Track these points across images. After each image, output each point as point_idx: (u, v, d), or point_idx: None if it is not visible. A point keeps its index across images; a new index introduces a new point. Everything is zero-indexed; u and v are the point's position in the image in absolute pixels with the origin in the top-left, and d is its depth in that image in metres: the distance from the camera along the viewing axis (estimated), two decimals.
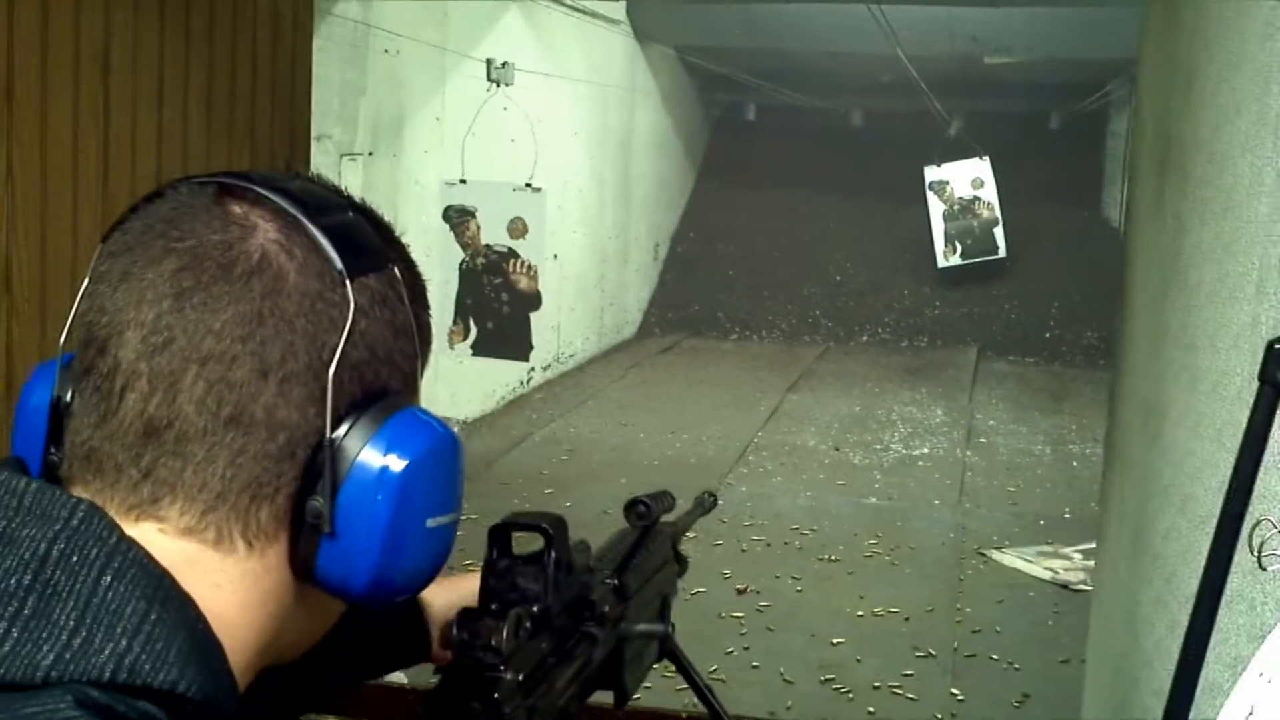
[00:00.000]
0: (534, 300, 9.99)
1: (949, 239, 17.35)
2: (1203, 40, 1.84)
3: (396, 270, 0.86)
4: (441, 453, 0.84)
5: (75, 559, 0.71)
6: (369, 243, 0.85)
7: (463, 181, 10.36)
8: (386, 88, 10.25)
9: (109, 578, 0.71)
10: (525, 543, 1.09)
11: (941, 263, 17.44)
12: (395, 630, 1.30)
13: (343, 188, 0.91)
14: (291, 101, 3.15)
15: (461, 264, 10.24)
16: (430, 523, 0.84)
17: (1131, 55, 14.10)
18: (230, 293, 0.78)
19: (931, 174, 17.24)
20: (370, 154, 10.06)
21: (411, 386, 0.87)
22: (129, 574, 0.72)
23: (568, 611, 1.12)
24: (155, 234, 0.80)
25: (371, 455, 0.80)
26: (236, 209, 0.81)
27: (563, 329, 13.99)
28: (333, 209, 0.84)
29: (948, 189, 17.27)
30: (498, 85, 11.05)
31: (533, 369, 12.86)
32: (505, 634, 0.97)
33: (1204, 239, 1.78)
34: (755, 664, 6.45)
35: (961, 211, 17.27)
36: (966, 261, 17.35)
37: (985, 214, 17.21)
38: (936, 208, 17.30)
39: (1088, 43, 14.08)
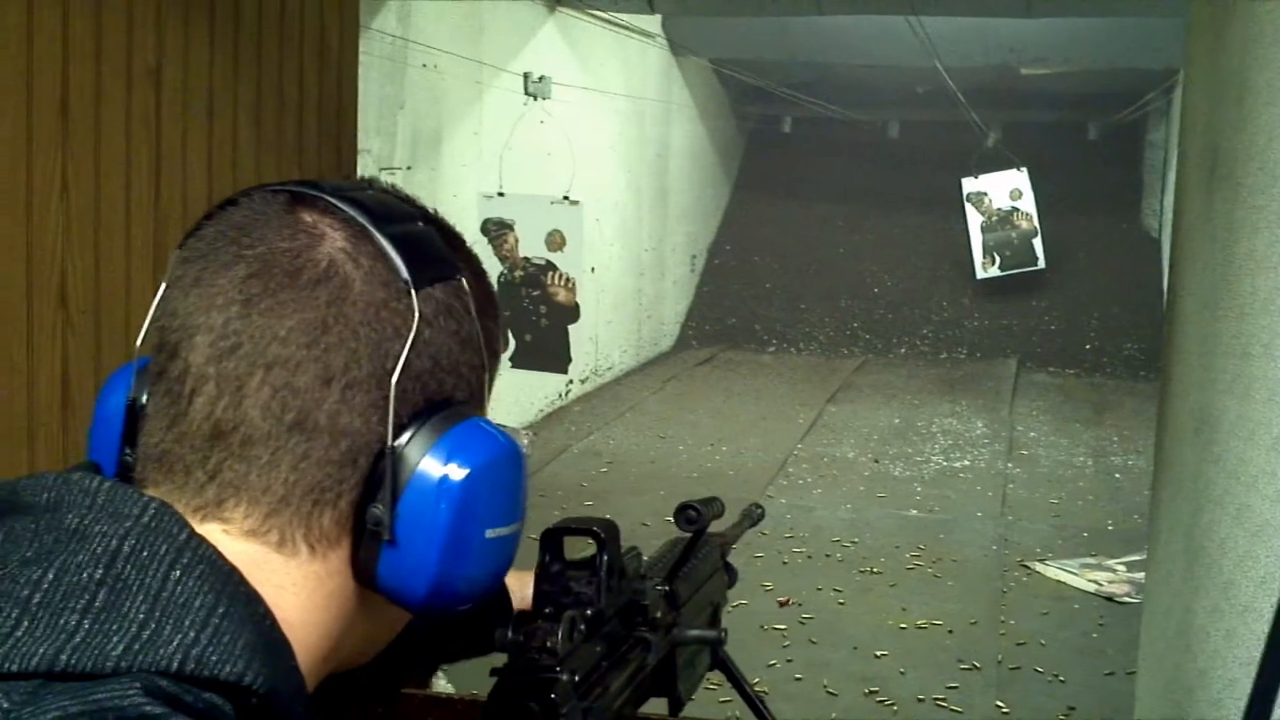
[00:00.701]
0: (572, 313, 10.01)
1: (987, 250, 17.27)
2: (1254, 53, 1.84)
3: (464, 281, 0.86)
4: (503, 463, 0.84)
5: (145, 554, 0.72)
6: (437, 253, 0.86)
7: (500, 194, 10.40)
8: (424, 102, 10.30)
9: (178, 572, 0.72)
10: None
11: (980, 274, 17.36)
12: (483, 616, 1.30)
13: (415, 198, 0.91)
14: (338, 115, 3.17)
15: (500, 277, 10.26)
16: (490, 533, 0.84)
17: (1169, 66, 14.08)
18: (296, 299, 0.79)
19: (969, 185, 17.17)
20: (409, 168, 10.12)
21: (477, 398, 0.88)
22: (197, 569, 0.73)
23: (620, 616, 1.12)
24: (227, 240, 0.82)
25: (432, 464, 0.81)
26: (307, 217, 0.82)
27: (600, 341, 14.01)
28: (402, 218, 0.85)
29: (986, 200, 17.19)
30: (535, 99, 11.10)
31: (571, 381, 12.88)
32: (560, 636, 0.98)
33: (1257, 248, 1.77)
34: (798, 676, 6.44)
35: (1000, 223, 17.19)
36: (1005, 273, 17.26)
37: (1024, 225, 17.12)
38: (974, 219, 17.23)
39: (1125, 53, 14.02)
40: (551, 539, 1.07)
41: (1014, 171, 17.08)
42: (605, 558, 1.06)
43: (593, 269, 12.53)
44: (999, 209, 17.17)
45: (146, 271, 2.52)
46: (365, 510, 0.81)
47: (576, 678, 0.99)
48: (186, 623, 0.70)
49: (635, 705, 1.16)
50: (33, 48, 2.25)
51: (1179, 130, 2.57)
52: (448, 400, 0.84)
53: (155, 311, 0.83)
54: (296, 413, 0.79)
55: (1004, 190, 17.13)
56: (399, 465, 0.81)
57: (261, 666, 0.72)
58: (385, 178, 7.32)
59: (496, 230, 10.27)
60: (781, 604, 7.43)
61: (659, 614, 1.20)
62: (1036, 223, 17.06)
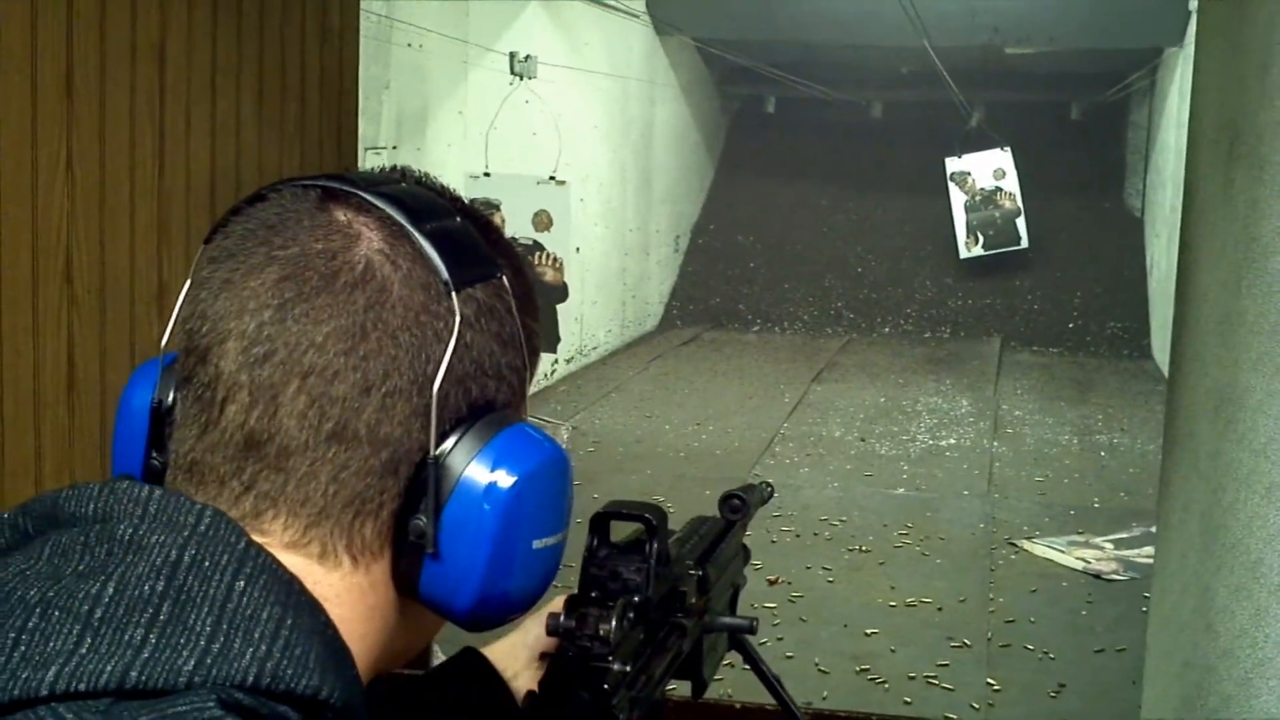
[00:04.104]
0: (560, 292, 10.00)
1: (971, 230, 17.31)
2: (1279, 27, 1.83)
3: (505, 279, 0.83)
4: (551, 470, 0.81)
5: (207, 564, 0.70)
6: (476, 251, 0.82)
7: (487, 174, 10.37)
8: (410, 82, 10.26)
9: (242, 583, 0.70)
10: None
11: (964, 254, 17.41)
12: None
13: (450, 188, 0.88)
14: (339, 95, 3.15)
15: None
16: (537, 544, 0.81)
17: (1153, 46, 14.07)
18: (333, 304, 0.76)
19: (953, 165, 17.21)
20: (394, 148, 10.07)
21: (519, 399, 0.85)
22: (261, 579, 0.71)
23: (661, 602, 1.11)
24: (257, 240, 0.78)
25: (477, 472, 0.78)
26: (340, 215, 0.79)
27: (585, 321, 14.00)
28: (439, 214, 0.81)
29: (969, 180, 17.23)
30: (521, 79, 11.06)
31: (556, 361, 12.87)
32: (613, 624, 0.96)
33: None
34: (789, 654, 6.45)
35: (983, 202, 17.23)
36: (989, 252, 17.32)
37: (1007, 204, 17.17)
38: (958, 199, 17.27)
39: (1109, 33, 14.05)
40: (600, 522, 1.06)
41: (997, 151, 17.13)
42: (655, 545, 1.04)
43: (577, 249, 12.50)
44: (982, 189, 17.22)
45: (151, 250, 2.50)
46: (407, 521, 0.78)
47: (629, 668, 0.98)
48: (256, 635, 0.68)
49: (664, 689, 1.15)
50: (37, 25, 2.22)
51: (1189, 106, 2.56)
52: (490, 404, 0.81)
53: (181, 311, 0.80)
54: (334, 422, 0.75)
55: (987, 170, 17.18)
56: (442, 474, 0.78)
57: (336, 680, 0.70)
58: (371, 158, 7.20)
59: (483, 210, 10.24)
60: (771, 583, 7.45)
61: (693, 600, 1.19)
62: (1020, 202, 17.11)
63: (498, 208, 10.31)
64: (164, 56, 2.50)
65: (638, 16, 14.93)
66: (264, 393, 0.76)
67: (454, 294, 0.78)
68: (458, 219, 0.83)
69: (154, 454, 0.83)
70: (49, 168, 2.24)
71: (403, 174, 0.86)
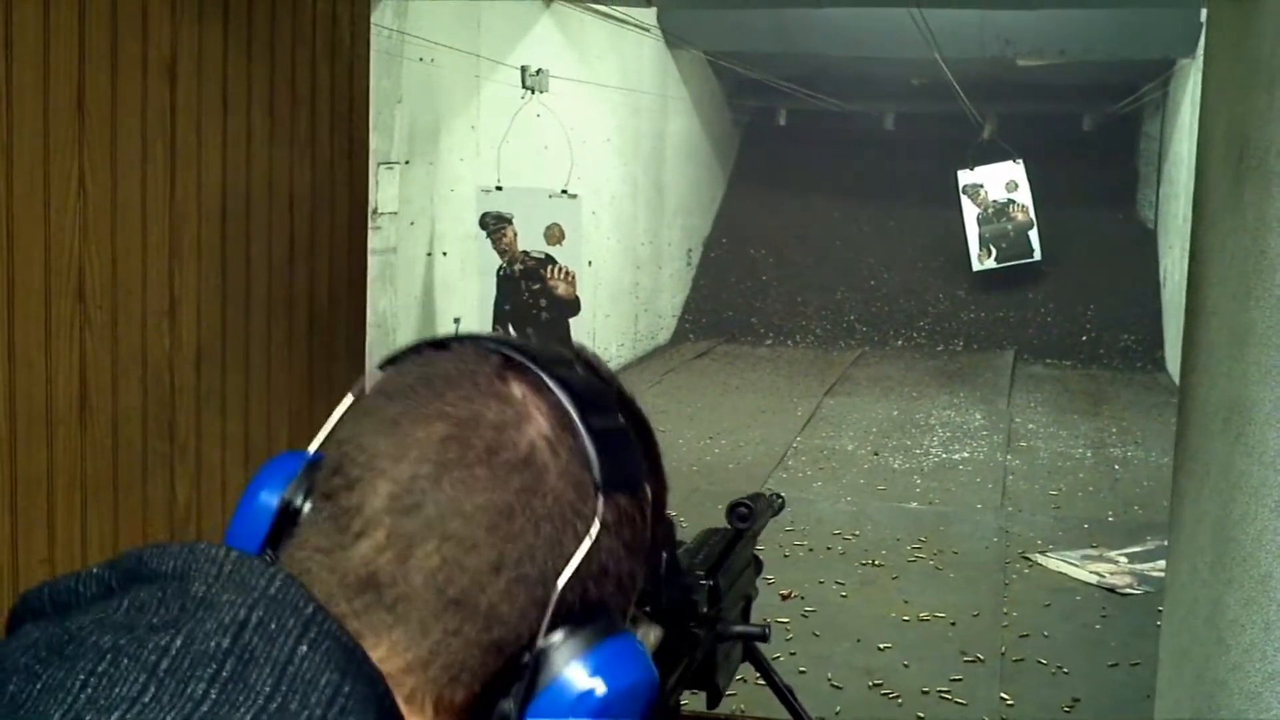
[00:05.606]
0: (573, 306, 10.02)
1: (983, 242, 17.29)
2: None
3: (649, 490, 0.84)
4: (644, 690, 0.81)
5: (273, 626, 0.71)
6: (631, 458, 0.83)
7: (499, 188, 10.40)
8: (422, 96, 10.28)
9: (305, 647, 0.71)
10: None
11: (976, 266, 17.38)
12: None
13: (613, 375, 0.89)
14: (350, 110, 3.16)
15: (499, 270, 10.27)
16: None
17: (1165, 57, 14.05)
18: (489, 478, 0.77)
19: (965, 177, 17.19)
20: (406, 162, 10.09)
21: (628, 606, 0.85)
22: (324, 645, 0.72)
23: (673, 611, 1.12)
24: (433, 391, 0.80)
25: (576, 674, 0.78)
26: (516, 390, 0.80)
27: (597, 335, 14.01)
28: (605, 409, 0.83)
29: (981, 192, 17.21)
30: (532, 92, 11.10)
31: None
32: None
33: None
34: (802, 669, 6.43)
35: (996, 215, 17.21)
36: (1001, 265, 17.29)
37: (1020, 217, 17.15)
38: (970, 211, 17.25)
39: (1121, 45, 14.04)
40: None
41: (1010, 163, 17.11)
42: (666, 554, 1.05)
43: (590, 263, 12.52)
44: (995, 201, 17.20)
45: (163, 266, 2.51)
46: (495, 699, 0.78)
47: None
48: (313, 699, 0.69)
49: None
50: (49, 48, 2.23)
51: (1198, 120, 2.56)
52: (603, 606, 0.82)
53: (340, 429, 0.82)
54: (459, 590, 0.77)
55: (1000, 182, 17.16)
56: (541, 667, 0.78)
57: None
58: (383, 172, 7.20)
59: (495, 224, 10.28)
60: (784, 597, 7.43)
61: (705, 609, 1.20)
62: (1032, 214, 17.08)
63: (510, 221, 10.34)
64: (175, 73, 2.51)
65: (649, 30, 14.96)
66: (400, 540, 0.77)
67: (601, 497, 0.79)
68: (619, 418, 0.84)
69: (268, 550, 0.84)
70: (61, 185, 2.25)
71: (577, 355, 0.86)
